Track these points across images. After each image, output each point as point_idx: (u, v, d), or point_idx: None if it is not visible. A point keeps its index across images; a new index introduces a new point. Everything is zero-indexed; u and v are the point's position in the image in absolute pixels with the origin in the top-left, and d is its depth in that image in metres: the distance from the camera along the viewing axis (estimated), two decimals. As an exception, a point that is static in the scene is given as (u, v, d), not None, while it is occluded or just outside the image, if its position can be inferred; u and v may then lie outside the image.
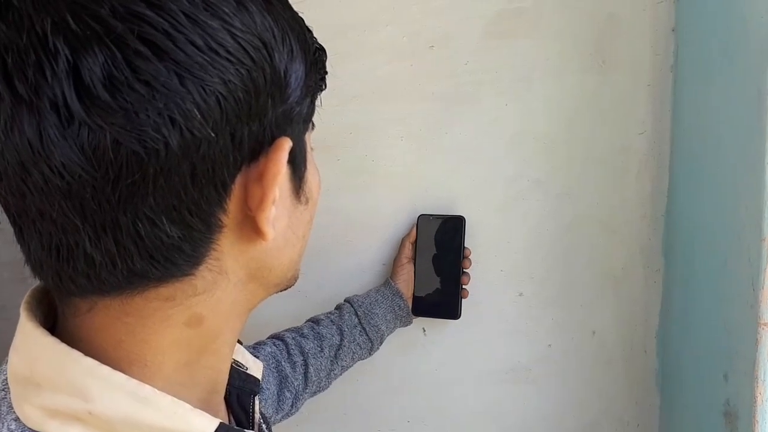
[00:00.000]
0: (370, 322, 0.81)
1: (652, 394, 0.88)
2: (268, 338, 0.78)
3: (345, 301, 0.84)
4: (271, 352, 0.75)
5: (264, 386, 0.71)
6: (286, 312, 0.87)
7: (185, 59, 0.29)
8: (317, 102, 0.39)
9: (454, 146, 0.89)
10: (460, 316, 0.85)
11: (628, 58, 0.83)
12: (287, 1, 0.36)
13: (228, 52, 0.30)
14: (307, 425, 0.94)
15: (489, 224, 0.89)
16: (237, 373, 0.47)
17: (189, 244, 0.32)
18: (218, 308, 0.36)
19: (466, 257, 0.86)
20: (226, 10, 0.30)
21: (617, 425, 0.89)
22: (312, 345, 0.77)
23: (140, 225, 0.30)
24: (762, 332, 0.60)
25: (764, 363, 0.60)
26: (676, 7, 0.80)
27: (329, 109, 0.90)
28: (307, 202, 0.40)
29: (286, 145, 0.34)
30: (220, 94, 0.30)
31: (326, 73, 0.40)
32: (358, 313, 0.82)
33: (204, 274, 0.34)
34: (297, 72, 0.34)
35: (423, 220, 0.87)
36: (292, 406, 0.75)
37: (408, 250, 0.87)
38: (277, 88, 0.33)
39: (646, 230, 0.86)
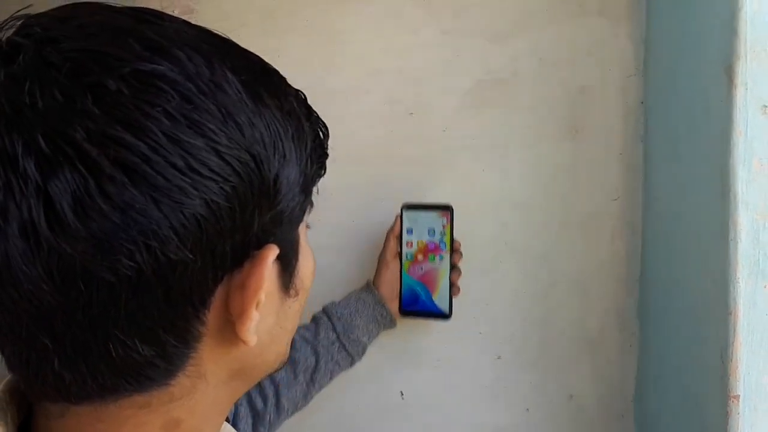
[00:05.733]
0: (349, 337, 0.75)
1: (630, 459, 0.87)
2: None
3: (323, 311, 0.78)
4: None
5: (239, 425, 0.67)
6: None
7: (164, 184, 0.27)
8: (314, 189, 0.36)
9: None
10: (451, 316, 0.79)
11: (601, 128, 0.86)
12: (283, 88, 0.34)
13: (211, 171, 0.28)
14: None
15: (468, 287, 0.90)
16: None
17: (163, 359, 0.31)
18: (197, 409, 0.35)
19: (456, 251, 0.80)
20: (212, 127, 0.28)
21: (596, 491, 0.89)
22: (283, 374, 0.72)
23: (111, 346, 0.29)
24: (731, 405, 0.61)
25: (735, 435, 0.61)
26: (645, 81, 0.84)
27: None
28: (297, 294, 0.38)
29: (270, 254, 0.32)
30: (201, 216, 0.28)
31: (327, 157, 0.37)
32: (337, 328, 0.75)
33: (182, 381, 0.33)
34: (289, 176, 0.32)
35: (407, 211, 0.81)
36: None
37: (393, 246, 0.80)
38: (266, 198, 0.31)
39: (621, 293, 0.88)
